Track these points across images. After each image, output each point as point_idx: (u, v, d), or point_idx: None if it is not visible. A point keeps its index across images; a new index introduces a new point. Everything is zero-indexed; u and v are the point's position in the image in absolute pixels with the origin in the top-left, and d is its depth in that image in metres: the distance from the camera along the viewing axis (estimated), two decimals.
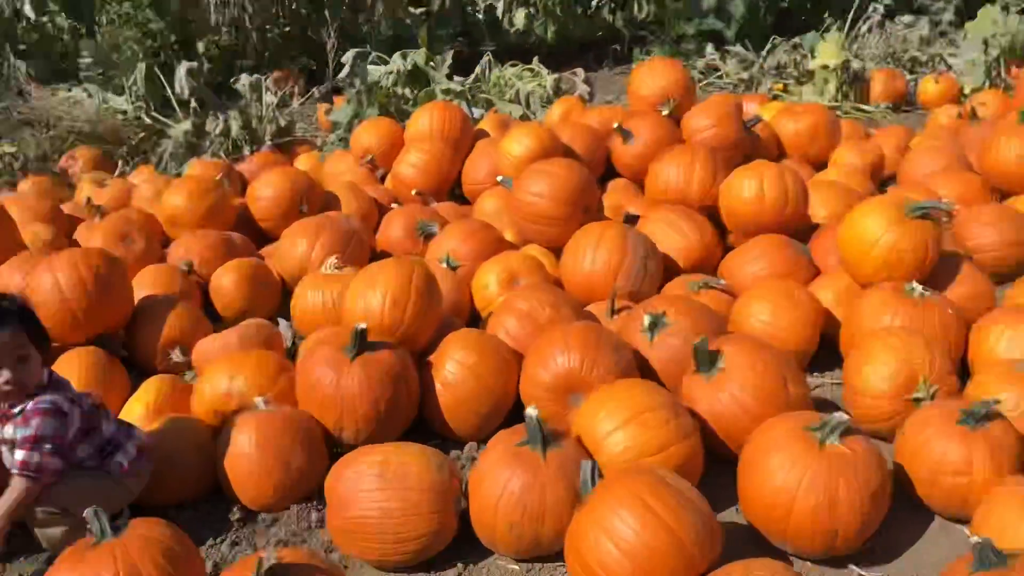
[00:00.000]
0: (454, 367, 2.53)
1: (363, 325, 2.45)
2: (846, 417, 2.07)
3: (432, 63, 5.38)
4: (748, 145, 3.95)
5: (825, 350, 2.88)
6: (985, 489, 2.07)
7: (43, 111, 5.11)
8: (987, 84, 5.49)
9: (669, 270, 3.23)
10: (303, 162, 4.75)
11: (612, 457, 2.15)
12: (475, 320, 3.11)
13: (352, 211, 3.75)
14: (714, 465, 2.31)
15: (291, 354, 2.94)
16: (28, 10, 6.69)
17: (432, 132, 4.17)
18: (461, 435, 2.59)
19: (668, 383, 2.56)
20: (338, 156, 4.59)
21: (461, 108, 4.44)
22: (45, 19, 6.96)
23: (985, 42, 5.62)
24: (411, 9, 7.47)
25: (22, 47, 6.88)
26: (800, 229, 3.44)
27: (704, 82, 6.57)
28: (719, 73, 6.63)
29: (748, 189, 3.28)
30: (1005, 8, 6.40)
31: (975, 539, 1.77)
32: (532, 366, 2.51)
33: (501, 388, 2.54)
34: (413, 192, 3.96)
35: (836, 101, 5.60)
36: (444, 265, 3.19)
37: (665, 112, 3.98)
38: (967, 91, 5.52)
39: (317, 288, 2.99)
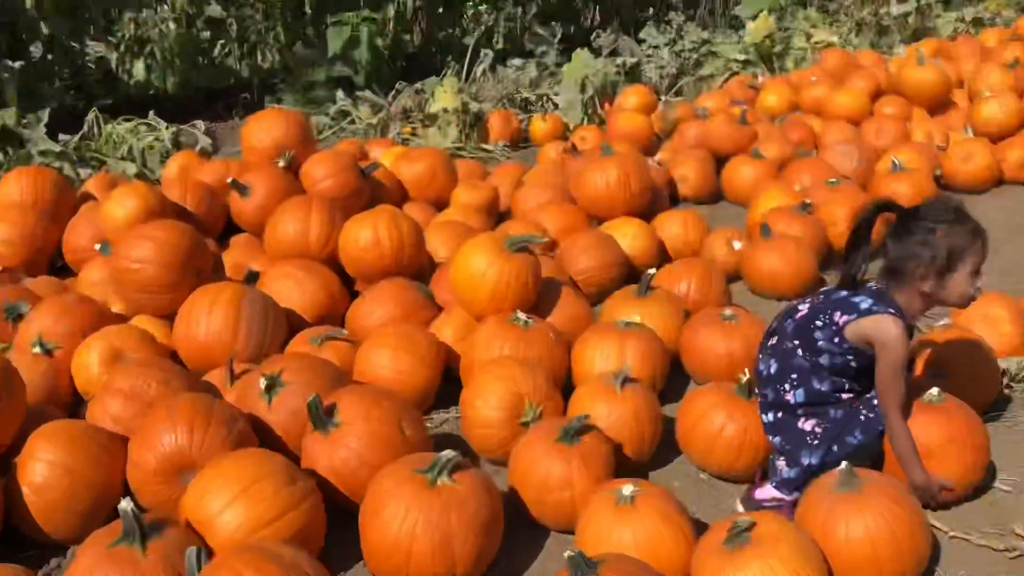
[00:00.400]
0: (42, 468, 2.26)
1: None
2: (453, 453, 2.13)
3: (26, 122, 4.86)
4: (369, 192, 4.01)
5: (454, 385, 2.98)
6: (584, 499, 2.24)
7: None
8: (585, 120, 6.09)
9: (295, 326, 3.17)
10: None
11: (226, 537, 2.03)
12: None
13: None
14: (345, 519, 2.28)
15: None
16: None
17: (22, 201, 3.76)
18: (61, 539, 2.31)
19: (293, 445, 2.49)
20: None
21: (53, 171, 4.05)
22: None
23: (582, 82, 6.24)
24: (7, 62, 6.72)
25: None
26: (422, 270, 3.56)
27: (336, 128, 6.62)
28: (351, 118, 6.71)
29: (364, 236, 3.32)
30: (595, 52, 7.18)
31: (567, 553, 1.89)
32: (136, 449, 2.31)
33: (103, 481, 2.31)
34: (0, 270, 3.53)
35: (460, 142, 5.90)
36: (36, 349, 2.86)
37: (282, 164, 3.93)
38: (571, 127, 6.09)
39: None
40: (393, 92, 6.51)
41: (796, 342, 2.41)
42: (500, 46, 7.93)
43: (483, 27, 7.43)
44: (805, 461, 2.36)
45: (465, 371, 2.91)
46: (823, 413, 2.40)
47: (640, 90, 6.05)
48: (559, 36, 7.54)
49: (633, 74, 6.93)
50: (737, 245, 3.89)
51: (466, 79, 6.97)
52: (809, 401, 2.41)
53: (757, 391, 2.52)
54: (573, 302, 3.19)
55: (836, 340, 2.33)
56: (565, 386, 2.86)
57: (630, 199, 4.03)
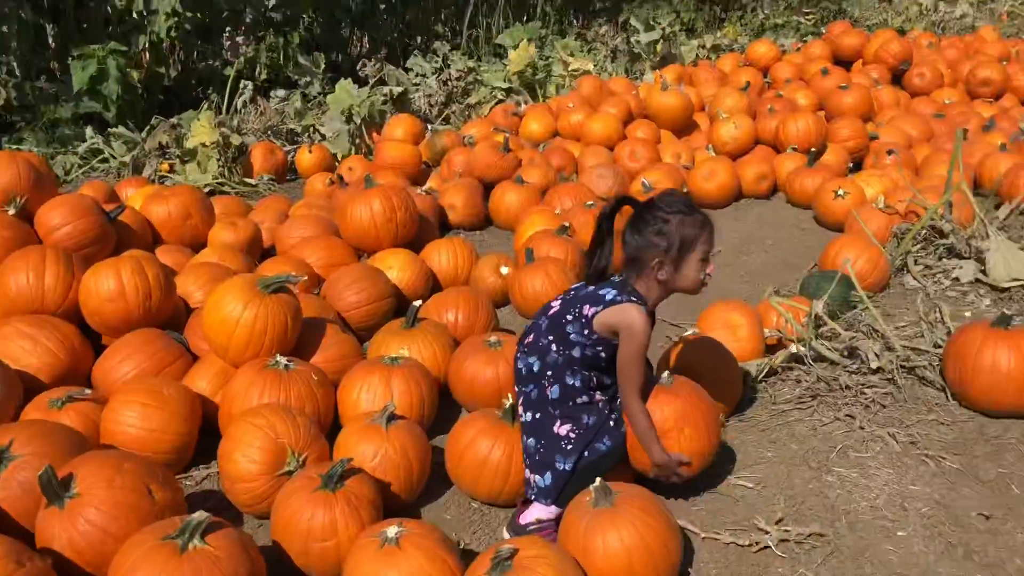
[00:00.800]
0: None
1: None
2: (204, 515, 2.01)
3: None
4: (115, 237, 3.75)
5: (216, 438, 2.81)
6: (351, 546, 2.18)
7: None
8: (353, 150, 6.04)
9: (33, 389, 2.89)
10: None
11: None
12: None
13: None
14: None
15: None
16: None
17: None
18: None
19: (30, 523, 2.26)
20: None
21: None
22: None
23: (349, 112, 6.18)
24: None
25: None
26: (176, 316, 3.36)
27: (87, 167, 6.17)
28: (103, 156, 6.28)
29: (106, 286, 3.08)
30: (362, 81, 7.15)
31: None
32: None
33: None
34: None
35: (222, 177, 5.67)
36: None
37: (12, 212, 3.59)
38: (339, 158, 6.01)
39: None
40: (148, 127, 6.15)
41: (550, 337, 2.50)
42: (263, 77, 7.71)
43: (243, 58, 7.19)
44: (560, 466, 2.43)
45: (223, 423, 2.77)
46: (577, 419, 2.48)
47: (407, 119, 6.08)
48: (323, 66, 7.43)
49: (401, 103, 6.95)
50: (504, 270, 3.97)
51: (227, 111, 6.72)
52: (563, 397, 2.48)
53: (518, 390, 2.57)
54: (339, 340, 3.12)
55: (586, 332, 2.44)
56: (334, 427, 2.80)
57: (396, 230, 4.02)
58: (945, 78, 7.29)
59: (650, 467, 2.47)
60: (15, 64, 6.58)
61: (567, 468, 2.42)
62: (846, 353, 3.25)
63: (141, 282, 3.12)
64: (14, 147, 6.48)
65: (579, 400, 2.50)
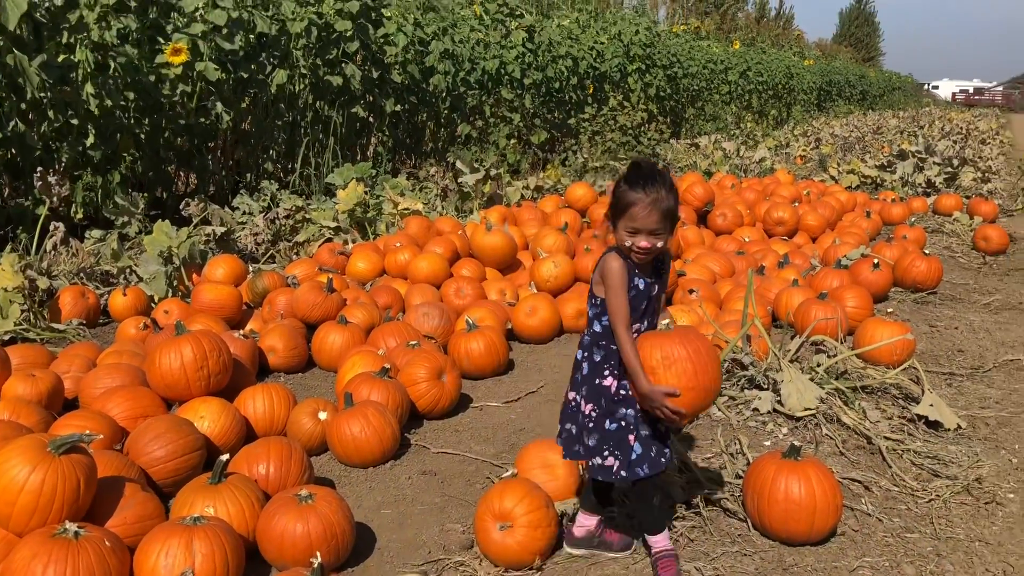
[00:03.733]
0: None
1: None
2: None
3: None
4: None
5: None
6: None
7: None
8: (170, 293, 5.86)
9: None
10: None
11: None
12: None
13: None
14: None
15: None
16: None
17: None
18: None
19: None
20: None
21: None
22: None
23: (168, 253, 6.03)
24: None
25: None
26: None
27: None
28: None
29: None
30: (185, 220, 7.03)
31: None
32: None
33: None
34: None
35: (27, 323, 5.34)
36: None
37: None
38: (156, 300, 5.81)
39: None
40: None
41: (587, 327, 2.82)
42: (79, 216, 7.43)
43: (55, 197, 6.93)
44: (588, 441, 2.80)
45: None
46: (598, 400, 2.77)
47: (229, 260, 5.99)
48: (142, 206, 7.26)
49: (225, 243, 6.87)
50: (323, 416, 3.91)
51: (36, 253, 6.41)
52: (591, 373, 2.77)
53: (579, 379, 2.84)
54: (140, 501, 2.94)
55: (593, 300, 2.76)
56: None
57: (208, 378, 3.90)
58: (745, 218, 7.96)
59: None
60: None
61: (589, 443, 2.75)
62: None
63: None
64: None
65: (603, 382, 2.74)
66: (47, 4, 7.13)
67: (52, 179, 6.56)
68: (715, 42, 24.67)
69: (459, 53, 11.56)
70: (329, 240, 7.34)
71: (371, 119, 10.70)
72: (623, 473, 2.72)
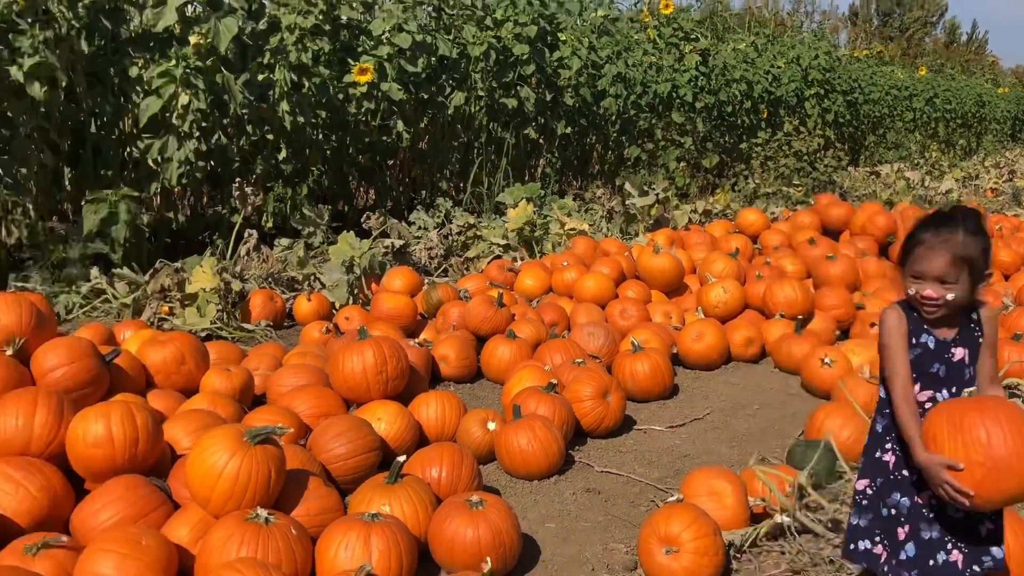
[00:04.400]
0: None
1: None
2: None
3: None
4: (109, 381, 3.80)
5: None
6: None
7: None
8: (351, 300, 6.17)
9: (11, 533, 2.87)
10: None
11: None
12: None
13: None
14: None
15: None
16: None
17: None
18: None
19: None
20: None
21: None
22: None
23: (349, 263, 6.36)
24: None
25: None
26: (163, 463, 3.36)
27: (88, 307, 6.28)
28: (105, 296, 6.41)
29: (94, 432, 3.11)
30: (365, 233, 7.38)
31: None
32: None
33: None
34: None
35: (220, 322, 5.76)
36: None
37: (10, 352, 3.66)
38: (337, 306, 6.13)
39: None
40: (151, 270, 6.31)
41: None
42: (269, 225, 7.96)
43: (250, 206, 7.45)
44: (852, 520, 2.52)
45: (199, 575, 2.73)
46: (873, 477, 2.49)
47: (406, 272, 6.25)
48: (326, 217, 7.69)
49: (401, 255, 7.16)
50: (491, 426, 3.99)
51: (231, 257, 6.90)
52: (871, 444, 2.50)
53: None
54: (322, 494, 3.12)
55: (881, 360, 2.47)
56: None
57: (386, 382, 4.07)
58: None
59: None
60: (29, 205, 6.81)
61: (855, 523, 2.47)
62: (830, 526, 3.23)
63: (129, 429, 3.15)
64: (19, 285, 6.62)
65: (883, 457, 2.45)
66: (250, 28, 7.71)
67: (248, 190, 7.06)
68: (899, 68, 23.52)
69: (631, 76, 11.57)
70: (498, 257, 7.50)
71: (541, 140, 10.88)
72: (886, 569, 2.38)
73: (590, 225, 8.55)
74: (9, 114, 6.76)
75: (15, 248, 7.35)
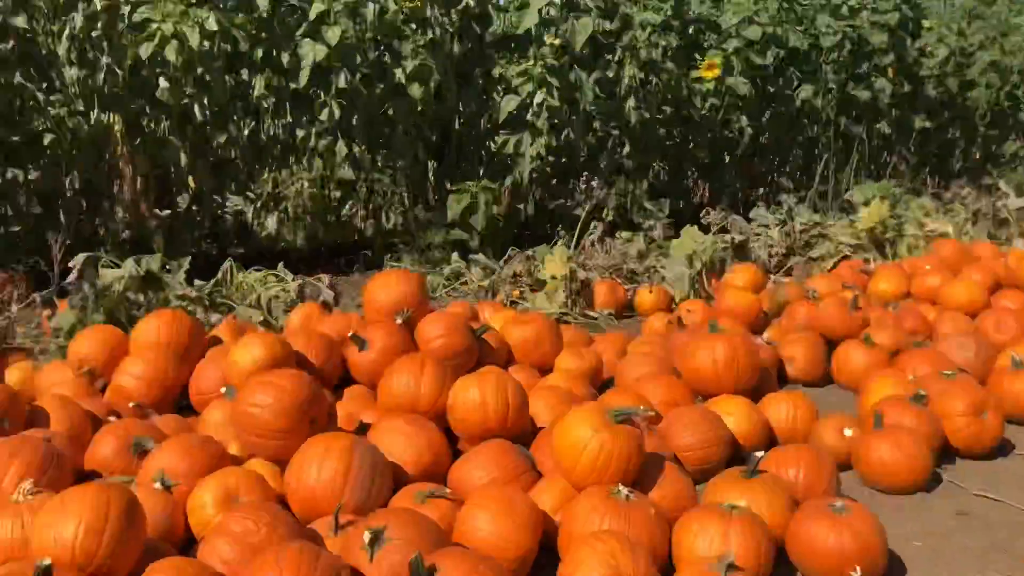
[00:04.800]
0: None
1: (47, 561, 2.23)
2: None
3: (169, 268, 5.26)
4: (478, 353, 4.14)
5: (548, 554, 2.94)
6: None
7: None
8: (692, 294, 6.16)
9: (399, 480, 3.23)
10: (14, 372, 4.37)
11: None
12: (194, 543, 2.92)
13: (62, 426, 3.47)
14: None
15: None
16: None
17: (159, 341, 4.03)
18: None
19: None
20: (55, 366, 4.28)
21: (190, 316, 4.34)
22: None
23: (690, 257, 6.37)
24: (156, 211, 7.35)
25: None
26: (524, 434, 3.60)
27: (450, 288, 6.89)
28: (464, 279, 6.99)
29: (471, 397, 3.41)
30: (704, 228, 7.34)
31: None
32: None
33: None
34: (131, 405, 3.75)
35: (566, 308, 6.05)
36: (157, 485, 2.99)
37: (399, 321, 4.11)
38: (677, 300, 6.17)
39: (5, 518, 2.69)
40: (505, 257, 6.77)
41: None
42: (610, 218, 8.20)
43: (594, 200, 7.73)
44: None
45: (563, 543, 2.88)
46: None
47: (749, 268, 6.13)
48: (666, 212, 7.76)
49: (740, 251, 7.03)
50: (848, 433, 3.79)
51: (575, 248, 7.20)
52: None
53: None
54: (676, 479, 3.15)
55: None
56: (665, 569, 2.81)
57: (737, 378, 4.02)
58: None
59: None
60: (405, 195, 7.62)
61: None
62: None
63: (501, 397, 3.41)
64: (393, 265, 7.42)
65: None
66: (603, 27, 7.97)
67: (594, 183, 7.32)
68: None
69: (1007, 64, 10.37)
70: (846, 257, 7.10)
71: (893, 135, 10.12)
72: None
73: (954, 227, 7.79)
74: (390, 113, 7.58)
75: (390, 233, 8.27)
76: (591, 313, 6.07)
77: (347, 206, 8.30)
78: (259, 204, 7.95)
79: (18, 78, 6.18)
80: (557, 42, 7.53)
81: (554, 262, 6.11)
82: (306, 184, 7.82)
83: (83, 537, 2.41)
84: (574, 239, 7.34)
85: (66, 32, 6.13)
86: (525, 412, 3.53)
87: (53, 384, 4.06)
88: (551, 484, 3.16)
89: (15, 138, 6.24)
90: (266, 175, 7.94)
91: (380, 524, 2.61)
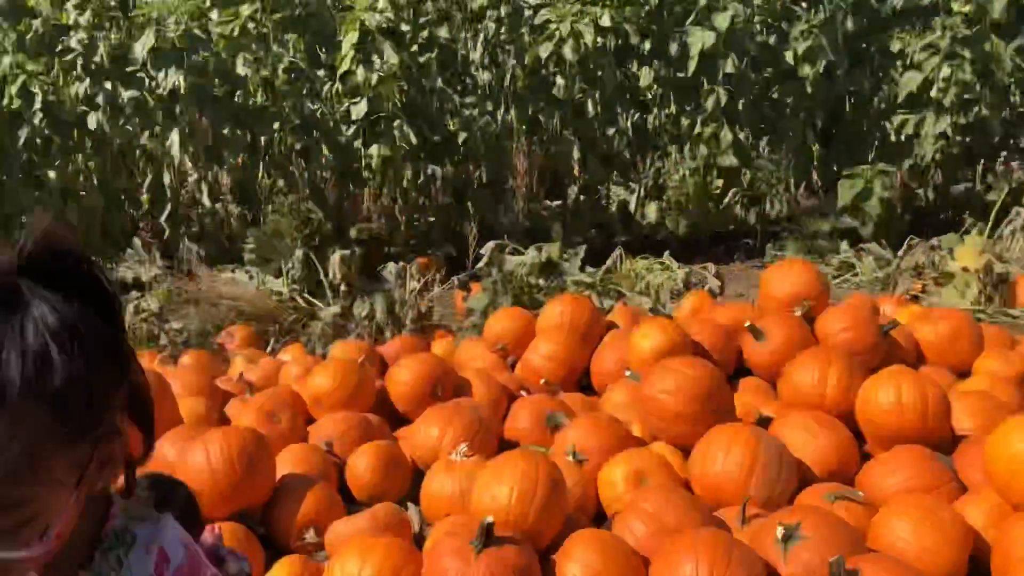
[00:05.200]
0: (578, 570, 2.50)
1: (490, 519, 2.49)
2: None
3: (565, 256, 5.61)
4: (884, 350, 3.88)
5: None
6: None
7: (208, 290, 5.58)
8: None
9: (803, 478, 3.14)
10: (438, 347, 4.95)
11: None
12: (599, 517, 3.09)
13: (482, 398, 3.86)
14: None
15: (418, 539, 2.98)
16: (204, 199, 7.47)
17: (563, 323, 4.30)
18: None
19: None
20: (471, 343, 4.77)
21: (591, 300, 4.59)
22: (218, 206, 7.72)
23: None
24: (548, 202, 7.87)
25: (195, 230, 7.63)
26: (942, 441, 3.31)
27: (838, 279, 6.55)
28: (854, 271, 6.60)
29: (886, 396, 3.20)
30: None
31: None
32: (658, 573, 2.45)
33: None
34: (542, 382, 4.05)
35: (978, 305, 5.45)
36: (570, 458, 3.20)
37: (799, 313, 3.99)
38: None
39: (446, 475, 3.06)
40: (904, 247, 6.27)
41: None
42: None
43: (1012, 184, 6.86)
44: None
45: (997, 566, 2.60)
46: None
47: None
48: None
49: None
50: None
51: (990, 237, 6.46)
52: None
53: None
54: None
55: None
56: None
57: None
58: None
59: None
60: (791, 181, 7.38)
61: None
62: None
63: (919, 399, 3.16)
64: (776, 253, 7.23)
65: None
66: None
67: (1014, 164, 6.50)
68: None
69: None
70: None
71: None
72: None
73: None
74: (776, 97, 7.37)
75: (772, 221, 8.05)
76: (1011, 311, 5.41)
77: (729, 194, 8.22)
78: (642, 193, 8.17)
79: (439, 83, 6.95)
80: (968, 9, 6.78)
81: (966, 253, 5.54)
82: (688, 172, 7.87)
83: (516, 501, 2.66)
84: (987, 227, 6.59)
85: (480, 38, 6.77)
86: (946, 418, 3.24)
87: (471, 359, 4.52)
88: (981, 499, 2.87)
89: (436, 138, 7.03)
90: (648, 164, 8.13)
91: (793, 520, 2.56)
